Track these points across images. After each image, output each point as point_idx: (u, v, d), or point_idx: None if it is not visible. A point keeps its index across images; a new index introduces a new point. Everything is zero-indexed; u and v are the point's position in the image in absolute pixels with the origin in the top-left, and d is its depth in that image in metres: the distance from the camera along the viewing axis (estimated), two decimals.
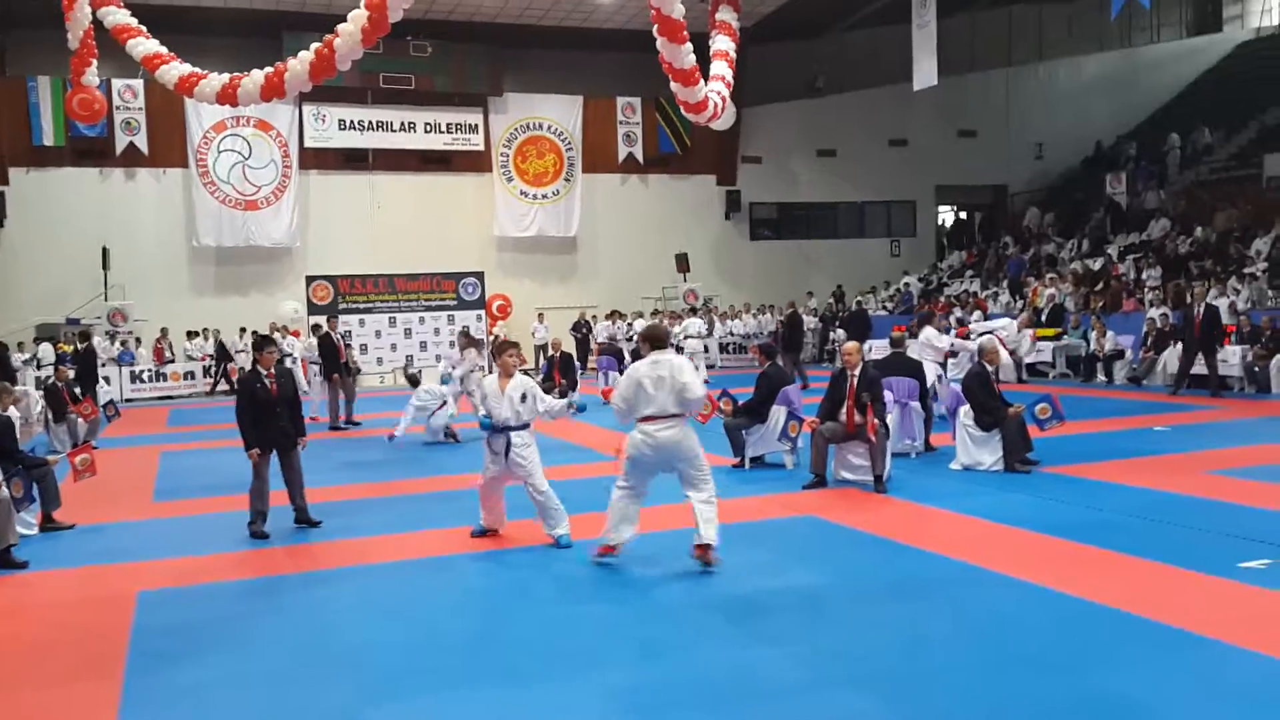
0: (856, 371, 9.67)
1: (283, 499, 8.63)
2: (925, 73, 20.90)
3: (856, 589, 6.38)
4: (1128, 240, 25.18)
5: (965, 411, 10.32)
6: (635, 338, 19.74)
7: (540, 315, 26.26)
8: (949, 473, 10.16)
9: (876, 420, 9.35)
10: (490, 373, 8.49)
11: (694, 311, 26.37)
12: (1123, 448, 11.23)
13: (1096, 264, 24.17)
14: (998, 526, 7.81)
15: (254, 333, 19.07)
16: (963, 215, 34.59)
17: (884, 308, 27.93)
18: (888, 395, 10.30)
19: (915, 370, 11.31)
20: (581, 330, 26.21)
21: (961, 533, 7.75)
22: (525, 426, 7.71)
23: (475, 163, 27.92)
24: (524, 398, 7.66)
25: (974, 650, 5.19)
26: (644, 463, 7.02)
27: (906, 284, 29.29)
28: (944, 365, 13.24)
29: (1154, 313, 18.78)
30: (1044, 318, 21.48)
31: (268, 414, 8.44)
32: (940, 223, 34.23)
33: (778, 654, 5.21)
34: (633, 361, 17.93)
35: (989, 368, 10.42)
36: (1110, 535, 7.32)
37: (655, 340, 7.18)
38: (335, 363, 16.16)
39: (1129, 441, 11.77)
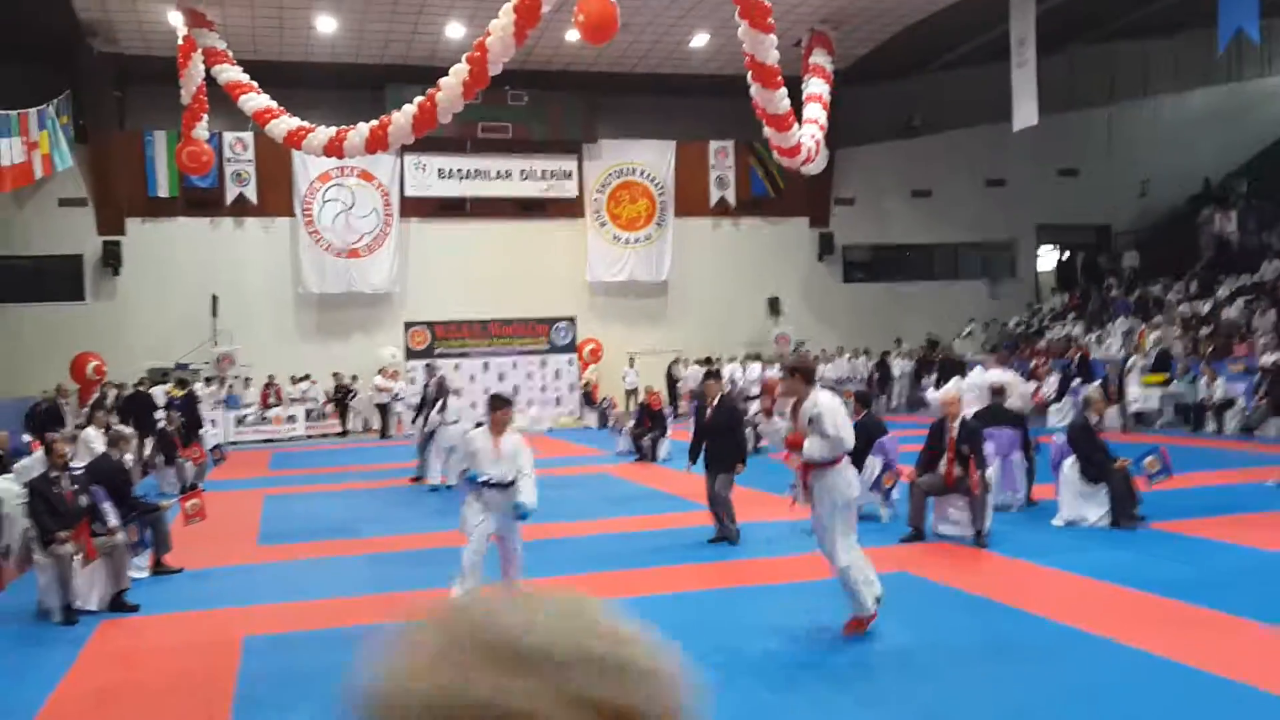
0: (956, 423, 9.50)
1: None
2: (1025, 112, 20.59)
3: (955, 651, 6.23)
4: (1238, 282, 24.35)
5: (1069, 464, 10.04)
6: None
7: (631, 360, 26.38)
8: (1052, 528, 9.85)
9: (978, 473, 9.14)
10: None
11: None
12: (1236, 503, 10.78)
13: (1205, 306, 23.40)
14: (1104, 585, 7.56)
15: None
16: (1064, 256, 33.76)
17: (985, 350, 27.34)
18: (988, 447, 10.09)
19: (1017, 421, 11.06)
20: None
21: (1066, 592, 7.52)
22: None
23: (568, 208, 28.26)
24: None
25: (1079, 718, 5.02)
26: None
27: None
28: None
29: (1268, 358, 18.08)
30: (1151, 363, 20.81)
31: (709, 437, 9.97)
32: (1037, 267, 33.43)
33: (880, 717, 5.11)
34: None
35: (1093, 418, 10.15)
36: (1224, 597, 7.02)
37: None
38: None
39: (1242, 496, 11.30)
